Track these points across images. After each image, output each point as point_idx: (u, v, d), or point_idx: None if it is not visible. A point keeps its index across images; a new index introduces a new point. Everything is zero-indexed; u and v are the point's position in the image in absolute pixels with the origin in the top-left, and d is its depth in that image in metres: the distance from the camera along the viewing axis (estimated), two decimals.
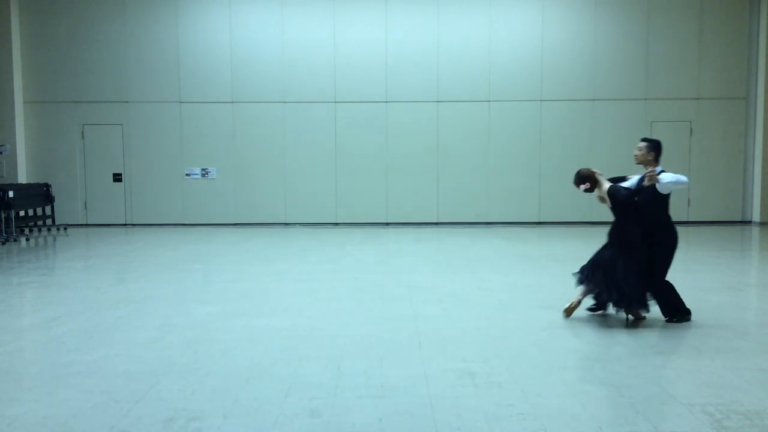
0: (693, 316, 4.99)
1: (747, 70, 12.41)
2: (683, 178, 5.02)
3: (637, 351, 4.17)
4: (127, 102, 12.43)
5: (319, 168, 12.47)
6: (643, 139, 5.25)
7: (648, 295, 4.95)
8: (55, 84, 12.40)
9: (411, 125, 12.43)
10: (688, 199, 12.26)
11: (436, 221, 12.57)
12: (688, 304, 5.00)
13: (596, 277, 4.99)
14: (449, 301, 5.68)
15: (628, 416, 3.11)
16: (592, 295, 5.12)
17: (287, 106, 12.42)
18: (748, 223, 12.43)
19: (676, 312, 4.99)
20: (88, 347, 4.30)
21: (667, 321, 4.97)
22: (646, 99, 12.44)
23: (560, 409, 3.19)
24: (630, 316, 4.97)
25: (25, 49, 12.30)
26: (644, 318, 4.97)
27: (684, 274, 7.07)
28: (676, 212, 13.68)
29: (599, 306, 5.18)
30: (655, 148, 5.11)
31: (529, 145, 12.47)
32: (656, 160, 5.10)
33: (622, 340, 4.40)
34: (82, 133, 12.47)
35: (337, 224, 12.53)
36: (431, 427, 2.99)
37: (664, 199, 5.02)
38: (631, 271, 4.79)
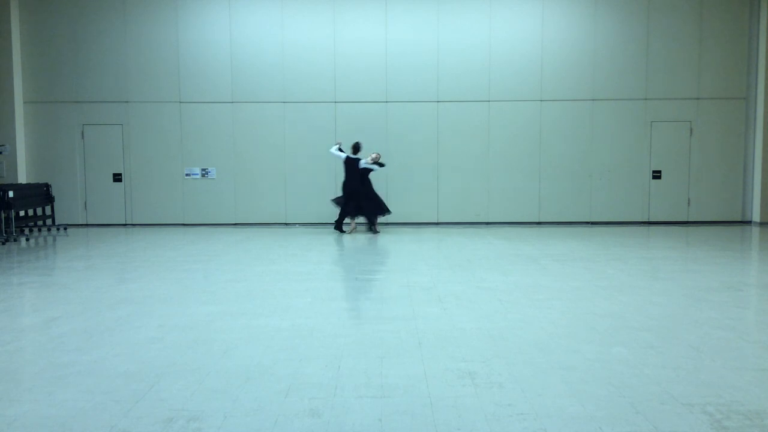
0: (693, 317, 5.07)
1: (747, 70, 12.42)
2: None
3: (635, 350, 4.17)
4: (127, 102, 12.44)
5: (319, 168, 12.48)
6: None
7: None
8: (55, 84, 12.40)
9: (411, 125, 12.45)
10: (688, 199, 12.26)
11: (436, 221, 12.58)
12: (687, 304, 5.52)
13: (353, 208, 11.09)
14: (449, 301, 5.68)
15: (628, 416, 3.11)
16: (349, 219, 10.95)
17: (287, 106, 12.42)
18: (748, 223, 12.43)
19: (373, 225, 11.21)
20: (88, 347, 4.30)
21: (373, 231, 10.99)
22: (646, 99, 12.44)
23: (560, 409, 3.19)
24: (374, 226, 11.14)
25: (25, 49, 12.31)
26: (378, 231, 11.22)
27: (684, 274, 7.09)
28: (676, 212, 13.60)
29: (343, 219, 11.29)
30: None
31: (529, 145, 12.48)
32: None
33: (622, 341, 4.40)
34: (82, 133, 12.48)
35: None
36: (431, 427, 2.99)
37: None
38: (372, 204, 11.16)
